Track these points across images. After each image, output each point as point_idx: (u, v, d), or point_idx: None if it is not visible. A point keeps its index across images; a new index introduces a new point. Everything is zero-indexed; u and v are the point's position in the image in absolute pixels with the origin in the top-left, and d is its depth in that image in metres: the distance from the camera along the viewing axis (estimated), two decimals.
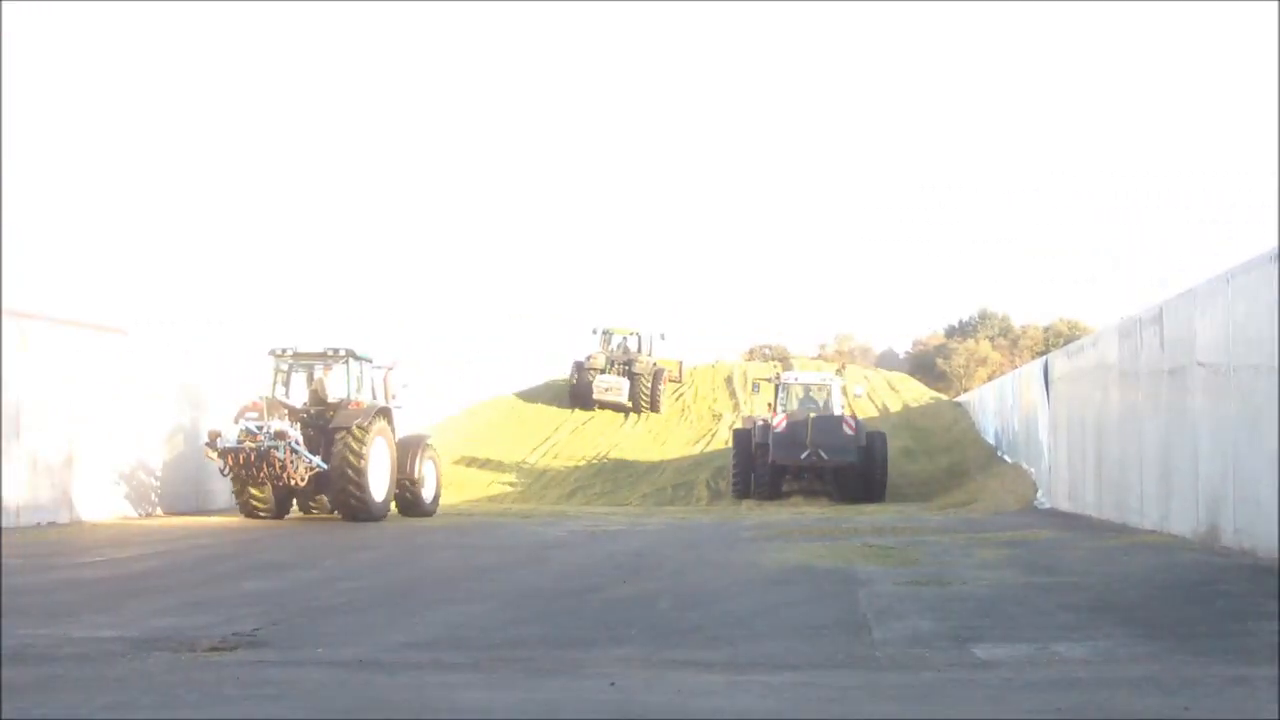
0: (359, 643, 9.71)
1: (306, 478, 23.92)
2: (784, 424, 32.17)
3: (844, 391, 35.10)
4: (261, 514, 24.69)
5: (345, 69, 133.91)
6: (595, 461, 39.80)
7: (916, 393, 50.43)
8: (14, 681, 7.91)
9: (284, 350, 25.63)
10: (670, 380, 47.99)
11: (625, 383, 45.76)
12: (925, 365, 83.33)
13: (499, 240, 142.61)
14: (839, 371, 44.33)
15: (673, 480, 36.86)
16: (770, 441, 32.07)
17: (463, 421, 45.21)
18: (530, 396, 49.29)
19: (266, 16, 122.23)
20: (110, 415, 24.94)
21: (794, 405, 34.06)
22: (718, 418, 44.77)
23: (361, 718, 6.99)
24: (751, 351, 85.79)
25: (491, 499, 35.42)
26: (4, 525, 21.41)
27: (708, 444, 41.59)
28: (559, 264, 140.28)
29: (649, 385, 45.78)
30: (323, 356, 25.70)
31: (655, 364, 46.68)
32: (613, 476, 37.86)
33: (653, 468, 38.71)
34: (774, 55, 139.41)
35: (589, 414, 46.08)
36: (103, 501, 24.68)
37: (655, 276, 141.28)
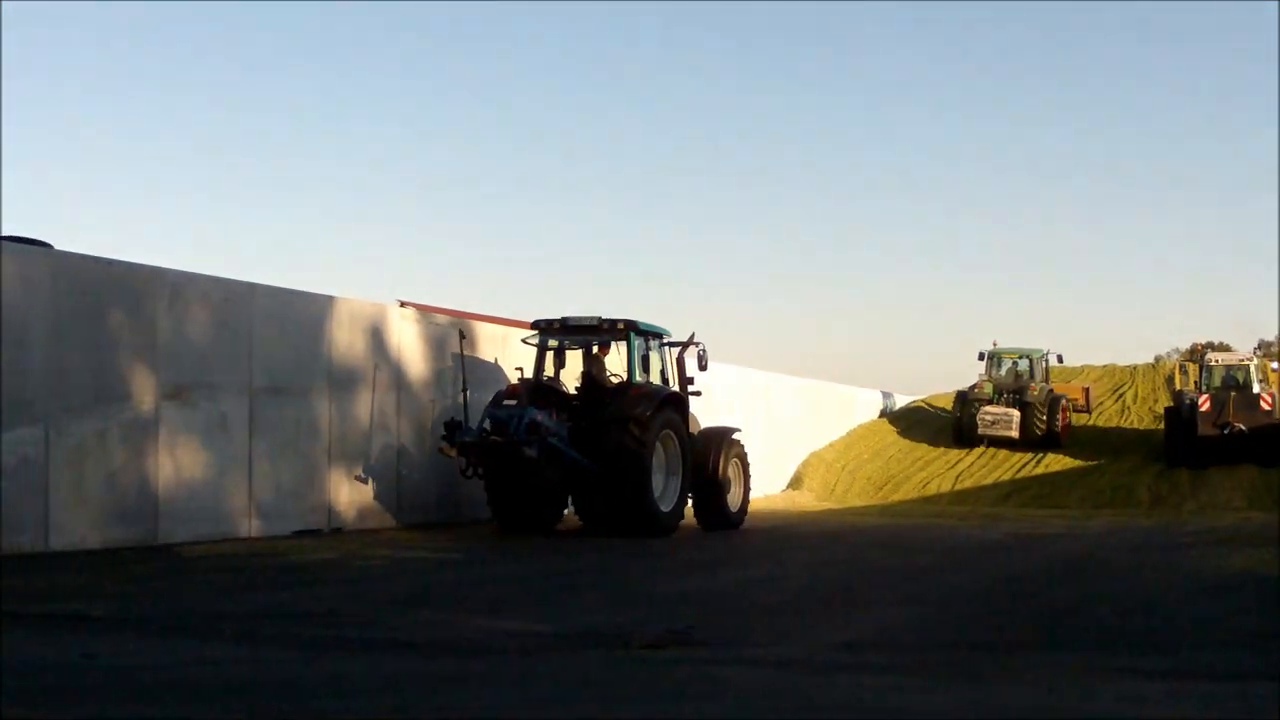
0: (792, 642, 9.78)
1: (568, 480, 20.33)
2: (1207, 402, 35.38)
3: (1262, 370, 37.38)
4: (519, 524, 20.32)
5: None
6: (1028, 465, 39.00)
7: None
8: (448, 672, 8.15)
9: (550, 322, 21.00)
10: (1074, 409, 43.17)
11: (1015, 414, 40.24)
12: None
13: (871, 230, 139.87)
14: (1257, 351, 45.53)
15: (1111, 484, 35.65)
16: (1196, 418, 35.25)
17: (870, 430, 45.48)
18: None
19: None
20: None
21: (1216, 384, 36.78)
22: (1159, 419, 42.47)
23: (794, 718, 6.93)
24: (1193, 349, 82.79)
25: (926, 500, 35.61)
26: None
27: (1149, 448, 39.84)
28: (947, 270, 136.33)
29: (1043, 415, 40.45)
30: (598, 330, 20.89)
31: (1051, 390, 41.83)
32: (1049, 480, 36.92)
33: (1090, 471, 37.53)
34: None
35: None
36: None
37: (1075, 275, 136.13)
